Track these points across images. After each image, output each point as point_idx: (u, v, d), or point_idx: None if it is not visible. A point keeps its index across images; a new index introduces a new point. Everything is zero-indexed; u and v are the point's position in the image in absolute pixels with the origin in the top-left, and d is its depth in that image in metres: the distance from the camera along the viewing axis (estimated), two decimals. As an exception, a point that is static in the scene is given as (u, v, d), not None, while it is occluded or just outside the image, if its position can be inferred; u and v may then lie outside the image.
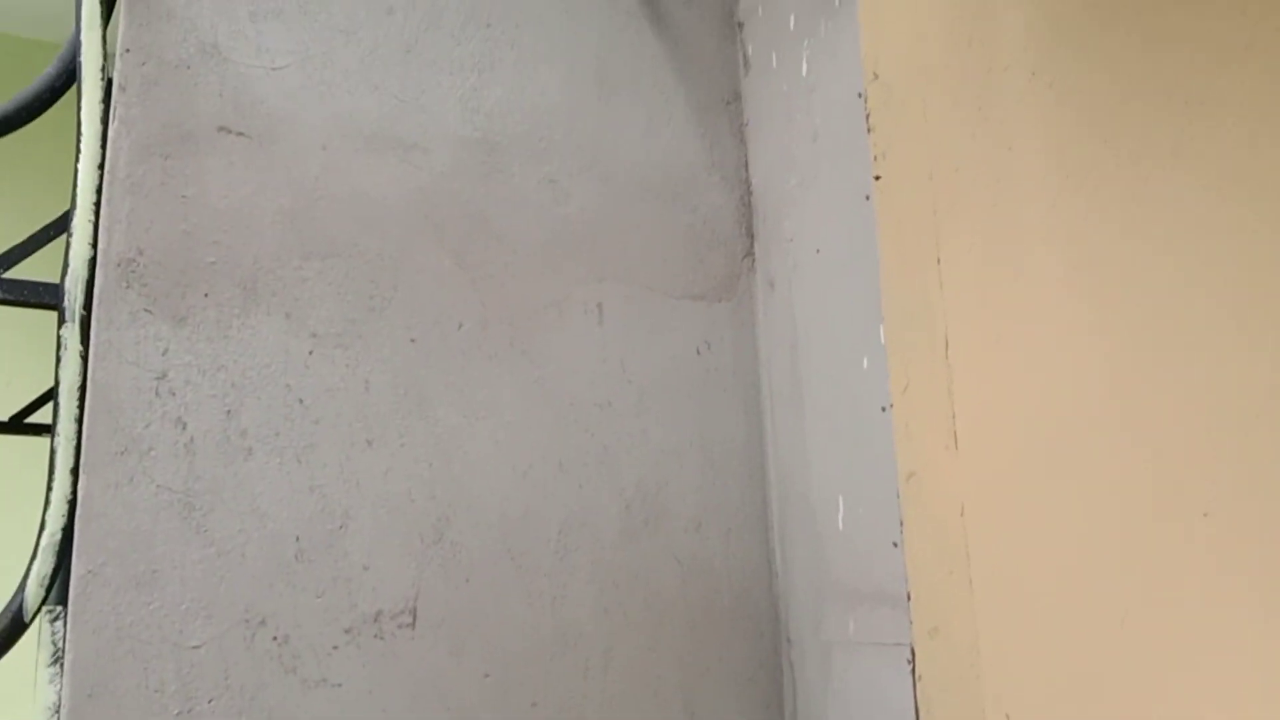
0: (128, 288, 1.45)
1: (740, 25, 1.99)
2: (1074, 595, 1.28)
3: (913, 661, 1.50)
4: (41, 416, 2.23)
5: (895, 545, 1.55)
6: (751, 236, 1.93)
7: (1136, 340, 1.22)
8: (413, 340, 1.60)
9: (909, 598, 1.51)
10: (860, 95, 1.66)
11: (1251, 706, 1.09)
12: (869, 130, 1.64)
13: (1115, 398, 1.24)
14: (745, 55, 1.98)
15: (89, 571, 1.36)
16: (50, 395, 1.45)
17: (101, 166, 1.49)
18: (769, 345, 1.87)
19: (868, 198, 1.63)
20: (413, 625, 1.51)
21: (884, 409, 1.58)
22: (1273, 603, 1.07)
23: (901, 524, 1.54)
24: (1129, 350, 1.23)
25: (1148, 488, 1.20)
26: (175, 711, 1.35)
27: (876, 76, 1.62)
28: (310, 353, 1.53)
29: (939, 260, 1.50)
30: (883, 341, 1.59)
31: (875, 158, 1.62)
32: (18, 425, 2.30)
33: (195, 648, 1.38)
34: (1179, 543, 1.16)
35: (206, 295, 1.48)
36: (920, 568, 1.50)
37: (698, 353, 1.84)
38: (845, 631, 1.65)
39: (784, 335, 1.83)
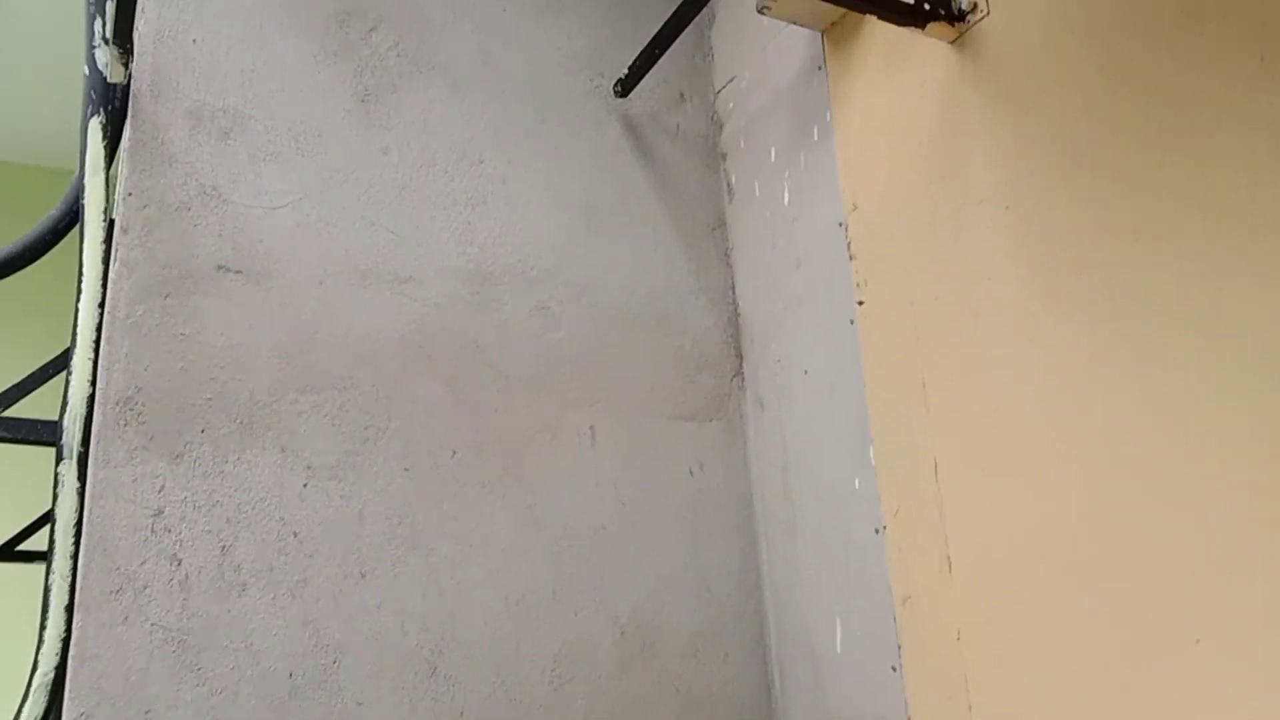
0: (125, 425, 1.47)
1: (724, 156, 2.07)
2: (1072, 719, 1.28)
3: (914, 788, 1.48)
4: (34, 543, 2.22)
5: (894, 669, 1.54)
6: (740, 357, 1.97)
7: (1116, 463, 1.25)
8: (407, 470, 1.61)
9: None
10: (841, 224, 1.71)
11: (1256, 839, 1.08)
12: (850, 258, 1.69)
13: (1100, 521, 1.26)
14: (729, 184, 2.05)
15: (82, 714, 1.34)
16: (44, 521, 1.46)
17: (102, 305, 1.52)
18: (760, 465, 1.89)
19: (852, 322, 1.67)
20: None
21: (877, 531, 1.59)
22: (1270, 731, 1.07)
23: (899, 648, 1.53)
24: (1110, 474, 1.25)
25: (1139, 614, 1.21)
26: None
27: (856, 207, 1.68)
28: (305, 485, 1.54)
29: (924, 384, 1.53)
30: (873, 463, 1.61)
31: (857, 284, 1.67)
32: (11, 553, 2.29)
33: None
34: (1172, 669, 1.16)
35: (203, 431, 1.50)
36: (919, 693, 1.49)
37: (690, 473, 1.85)
38: (846, 760, 1.63)
39: (775, 455, 1.85)
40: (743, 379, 1.96)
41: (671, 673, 1.73)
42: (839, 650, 1.66)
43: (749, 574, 1.84)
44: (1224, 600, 1.12)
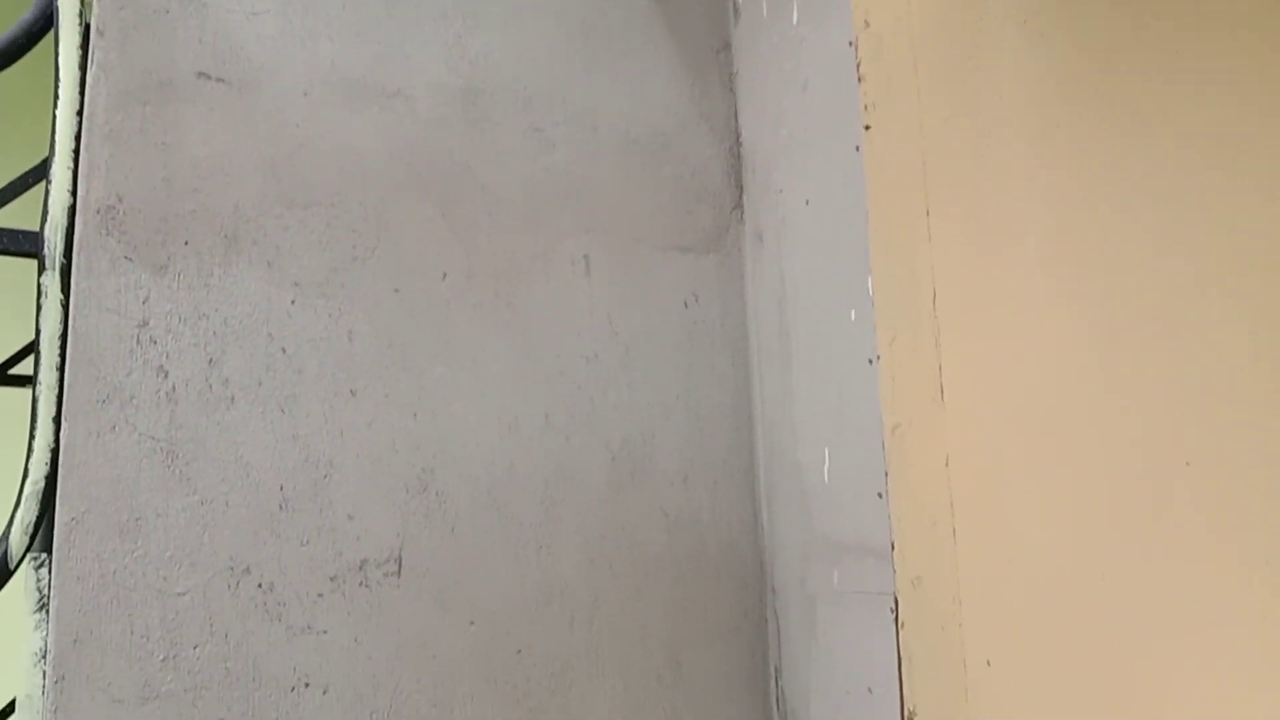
0: (107, 235, 1.43)
1: (730, -27, 1.97)
2: (1056, 545, 1.28)
3: (896, 610, 1.51)
4: (24, 368, 2.22)
5: (880, 496, 1.55)
6: (740, 188, 1.91)
7: (1121, 294, 1.22)
8: (396, 291, 1.59)
9: (893, 548, 1.52)
10: (851, 44, 1.63)
11: (1231, 654, 1.09)
12: (859, 80, 1.62)
13: (1100, 350, 1.24)
14: (735, 4, 1.95)
15: (73, 519, 1.35)
16: (33, 346, 1.44)
17: (80, 113, 1.47)
18: (757, 298, 1.86)
19: (858, 148, 1.62)
20: (398, 574, 1.51)
21: (871, 361, 1.58)
22: (1252, 550, 1.07)
23: (886, 475, 1.54)
24: (1113, 303, 1.22)
25: (1131, 438, 1.20)
26: (160, 657, 1.35)
27: (868, 25, 1.60)
28: (293, 302, 1.51)
29: (928, 212, 1.48)
30: (871, 294, 1.58)
31: (865, 107, 1.60)
32: (1, 377, 2.29)
33: (180, 595, 1.38)
34: (1162, 492, 1.16)
35: (187, 243, 1.47)
36: (904, 519, 1.50)
37: (685, 306, 1.83)
38: (829, 582, 1.66)
39: (772, 288, 1.82)
40: (742, 211, 1.91)
41: (661, 498, 1.74)
42: (827, 479, 1.67)
43: (741, 405, 1.84)
44: (1216, 425, 1.11)
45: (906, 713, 1.48)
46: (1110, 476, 1.22)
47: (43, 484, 1.41)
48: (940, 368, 1.45)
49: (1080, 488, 1.25)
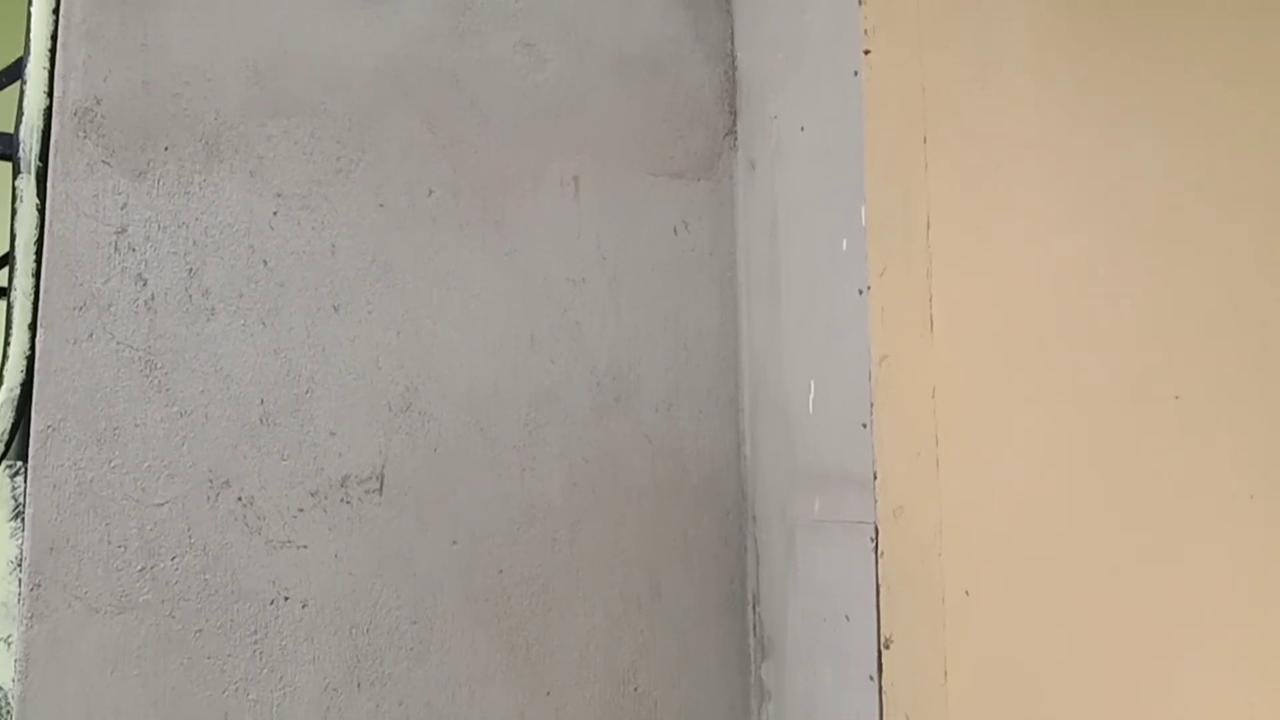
0: (85, 138, 1.40)
1: (731, -111, 1.91)
2: (1040, 477, 1.28)
3: (876, 540, 1.52)
4: None
5: (864, 427, 1.55)
6: (734, 114, 1.88)
7: (1116, 228, 1.20)
8: (381, 205, 1.55)
9: (875, 478, 1.52)
10: (852, -35, 1.59)
11: (1213, 585, 1.10)
12: (859, 2, 1.58)
13: (1091, 283, 1.23)
14: (735, -78, 1.90)
15: (48, 427, 1.33)
16: (9, 252, 1.41)
17: (56, 11, 1.42)
18: (748, 227, 1.84)
19: (856, 74, 1.58)
20: (380, 492, 1.50)
21: (861, 292, 1.57)
22: (1238, 484, 1.07)
23: (872, 406, 1.53)
24: (1108, 237, 1.21)
25: (1121, 372, 1.19)
26: (138, 568, 1.35)
27: (870, -56, 1.56)
28: (275, 213, 1.48)
29: (925, 140, 1.46)
30: (863, 223, 1.56)
31: (865, 32, 1.57)
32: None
33: (158, 506, 1.37)
34: (1150, 426, 1.16)
35: (167, 149, 1.43)
36: (888, 449, 1.50)
37: (675, 232, 1.81)
38: (810, 511, 1.66)
39: (763, 217, 1.80)
40: (735, 137, 1.88)
41: (645, 424, 1.74)
42: (811, 410, 1.66)
43: (727, 334, 1.83)
44: (1206, 360, 1.11)
45: (883, 640, 1.50)
46: (1098, 410, 1.22)
47: (18, 391, 1.38)
48: (931, 299, 1.44)
49: (1067, 421, 1.25)
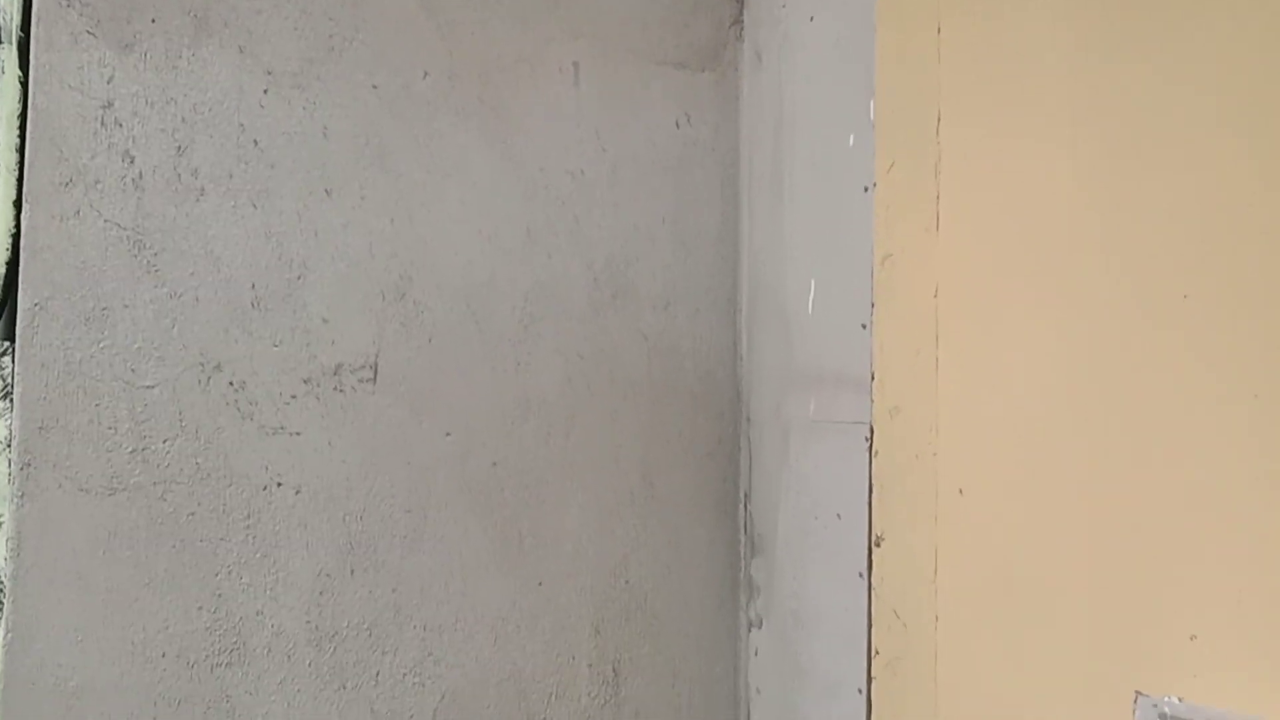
0: (68, 7, 1.34)
1: None
2: (1041, 377, 1.27)
3: (870, 440, 1.52)
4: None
5: (864, 327, 1.53)
6: (740, 2, 1.82)
7: (1128, 128, 1.17)
8: (375, 87, 1.51)
9: (873, 378, 1.51)
10: None
11: (1215, 483, 1.10)
12: (876, -116, 1.51)
13: (1101, 184, 1.20)
14: None
15: (36, 305, 1.31)
16: None
17: None
18: (752, 120, 1.79)
19: (868, -40, 1.53)
20: (373, 381, 1.49)
21: (866, 189, 1.53)
22: (1247, 381, 1.06)
23: (872, 306, 1.51)
24: (1120, 138, 1.18)
25: (1127, 272, 1.17)
26: (129, 449, 1.34)
27: None
28: (265, 92, 1.44)
29: (939, 29, 1.41)
30: (871, 118, 1.52)
31: (880, -85, 1.51)
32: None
33: (148, 388, 1.35)
34: (1156, 326, 1.15)
35: (154, 21, 1.38)
36: (887, 349, 1.49)
37: (676, 125, 1.76)
38: (805, 412, 1.65)
39: (769, 111, 1.75)
40: (741, 27, 1.82)
41: (642, 322, 1.72)
42: (810, 310, 1.64)
43: (728, 232, 1.80)
44: (1214, 259, 1.09)
45: (874, 538, 1.51)
46: (1103, 310, 1.20)
47: (3, 270, 1.36)
48: (938, 196, 1.41)
49: (1071, 321, 1.23)
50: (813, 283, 1.63)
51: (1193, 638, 1.10)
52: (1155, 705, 1.12)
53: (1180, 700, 1.10)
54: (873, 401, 1.51)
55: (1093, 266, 1.21)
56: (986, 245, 1.35)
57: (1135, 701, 1.14)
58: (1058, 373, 1.25)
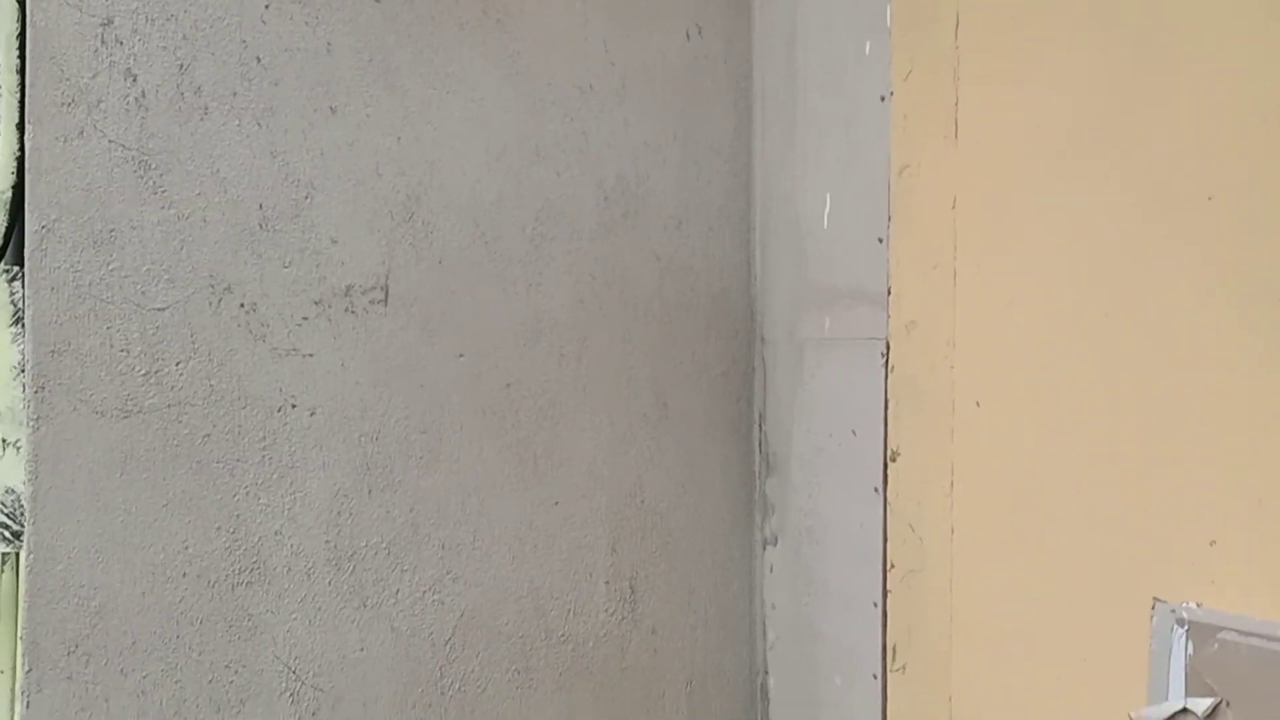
0: (60, -80, 1.30)
1: None
2: (1061, 285, 1.26)
3: (886, 355, 1.50)
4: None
5: (880, 241, 1.51)
6: (752, -90, 1.76)
7: (1151, 29, 1.13)
8: (377, 0, 1.47)
9: (889, 293, 1.49)
10: None
11: (1237, 393, 1.09)
12: None
13: (1126, 84, 1.16)
14: None
15: (43, 227, 1.30)
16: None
17: None
18: (764, 31, 1.75)
19: None
20: (384, 302, 1.48)
21: (883, 98, 1.50)
22: (1271, 288, 1.04)
23: (889, 219, 1.49)
24: (1142, 39, 1.14)
25: (1151, 175, 1.15)
26: (141, 372, 1.33)
27: None
28: (267, 7, 1.40)
29: (957, -71, 1.37)
30: (888, 23, 1.48)
31: None
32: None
33: (159, 310, 1.34)
34: (1180, 229, 1.12)
35: (149, -66, 1.34)
36: (904, 262, 1.47)
37: (687, 37, 1.72)
38: (820, 330, 1.64)
39: (782, 20, 1.71)
40: (752, -64, 1.77)
41: (653, 241, 1.70)
42: (826, 225, 1.62)
43: (740, 147, 1.76)
44: (1241, 159, 1.06)
45: (890, 453, 1.50)
46: (1126, 216, 1.18)
47: (9, 193, 1.34)
48: (957, 103, 1.38)
49: (1093, 228, 1.21)
50: (828, 197, 1.61)
51: (1212, 543, 1.09)
52: (1173, 611, 1.12)
53: (1198, 605, 1.10)
54: (889, 317, 1.50)
55: (1116, 172, 1.18)
56: (1007, 153, 1.32)
57: (1153, 607, 1.14)
58: (1078, 282, 1.23)
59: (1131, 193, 1.17)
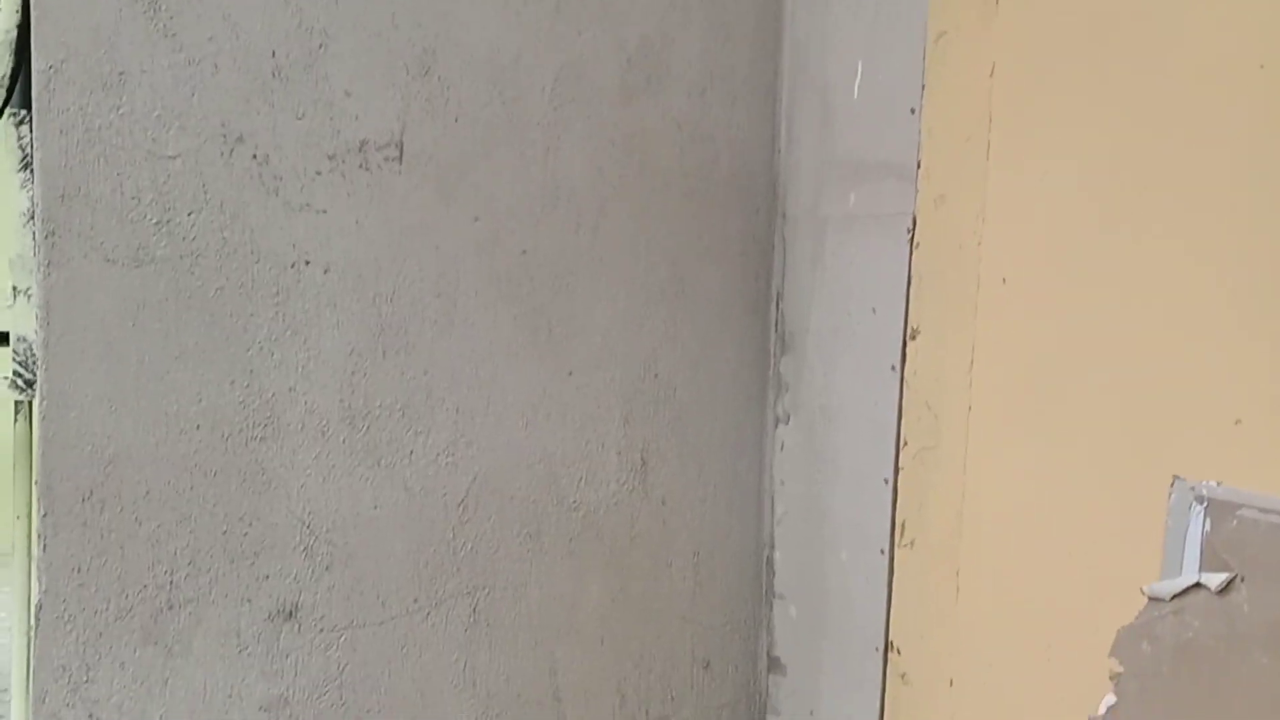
0: None
1: None
2: (1100, 157, 1.22)
3: (912, 231, 1.47)
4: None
5: (912, 112, 1.46)
6: None
7: None
8: None
9: (919, 166, 1.45)
10: None
11: (1268, 268, 1.06)
12: None
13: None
14: None
15: (50, 68, 1.25)
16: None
17: None
18: (798, -110, 1.67)
19: None
20: (399, 160, 1.44)
21: (920, -40, 1.43)
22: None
23: (923, 89, 1.44)
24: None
25: (1202, 39, 1.10)
26: (153, 221, 1.31)
27: None
28: None
29: None
30: (931, -122, 1.40)
31: None
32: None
33: (171, 158, 1.31)
34: (1229, 99, 1.08)
35: None
36: (936, 134, 1.43)
37: (717, -106, 1.64)
38: (844, 205, 1.60)
39: (816, -121, 1.63)
40: None
41: (675, 110, 1.65)
42: (856, 95, 1.57)
43: (768, 13, 1.70)
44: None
45: (910, 330, 1.48)
46: (1172, 83, 1.13)
47: (14, 34, 1.30)
48: (1000, -35, 1.32)
49: (1137, 95, 1.17)
50: (859, 65, 1.55)
51: (1238, 422, 1.08)
52: (1193, 489, 1.11)
53: (1219, 484, 1.10)
54: (917, 191, 1.46)
55: (1163, 39, 1.13)
56: (1050, 19, 1.27)
57: (1172, 485, 1.13)
58: (1117, 154, 1.19)
59: (1178, 60, 1.12)
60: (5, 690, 1.93)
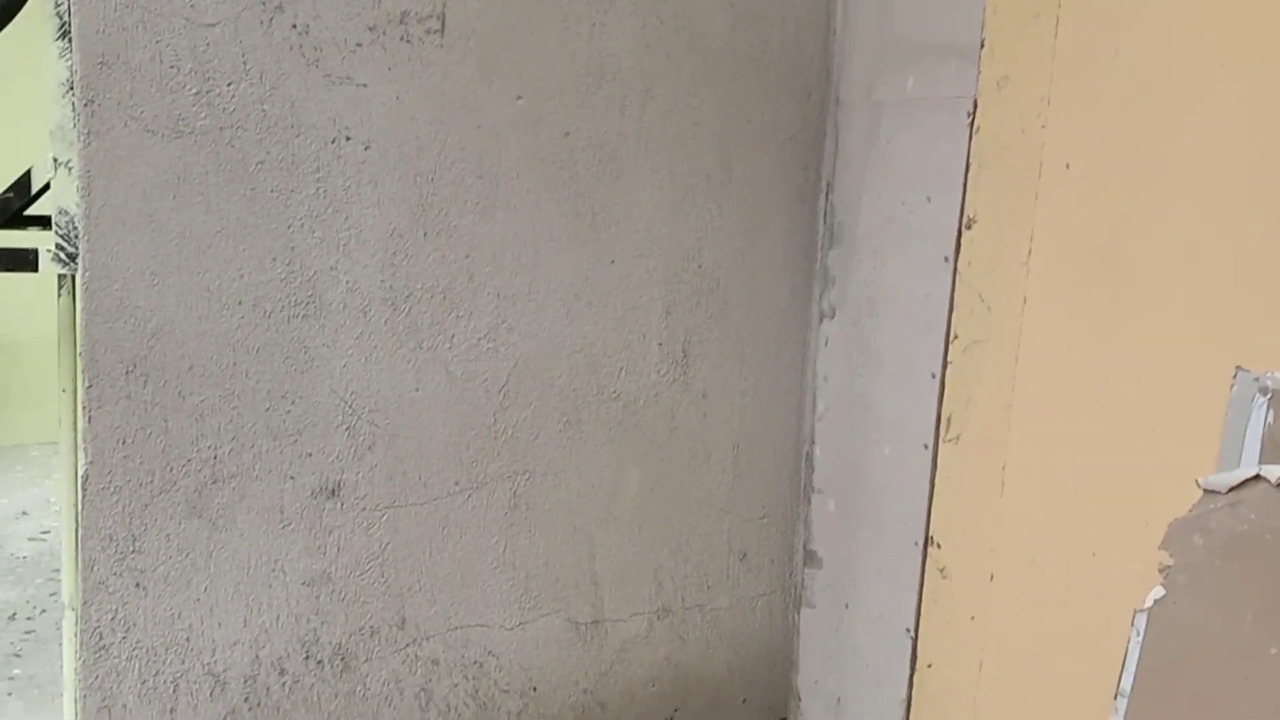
0: None
1: None
2: (1175, 33, 1.15)
3: (973, 115, 1.41)
4: None
5: None
6: None
7: None
8: None
9: (982, 46, 1.39)
10: None
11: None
12: None
13: None
14: None
15: (83, -73, 1.21)
16: None
17: None
18: None
19: None
20: (441, 33, 1.40)
21: None
22: None
23: (988, -37, 1.37)
24: None
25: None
26: (193, 91, 1.28)
27: None
28: None
29: None
30: None
31: None
32: None
33: (210, 26, 1.27)
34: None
35: None
36: (1002, 12, 1.36)
37: None
38: (902, 90, 1.54)
39: None
40: None
41: (728, -14, 1.58)
42: (917, -28, 1.49)
43: (829, -115, 1.61)
44: None
45: (966, 220, 1.44)
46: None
47: (47, -106, 1.26)
48: None
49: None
50: (921, -60, 1.48)
51: (1311, 311, 1.04)
52: (1257, 380, 1.08)
53: (1285, 375, 1.06)
54: (980, 73, 1.40)
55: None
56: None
57: (1235, 376, 1.10)
58: (1193, 29, 1.12)
59: None
60: (57, 570, 1.97)
